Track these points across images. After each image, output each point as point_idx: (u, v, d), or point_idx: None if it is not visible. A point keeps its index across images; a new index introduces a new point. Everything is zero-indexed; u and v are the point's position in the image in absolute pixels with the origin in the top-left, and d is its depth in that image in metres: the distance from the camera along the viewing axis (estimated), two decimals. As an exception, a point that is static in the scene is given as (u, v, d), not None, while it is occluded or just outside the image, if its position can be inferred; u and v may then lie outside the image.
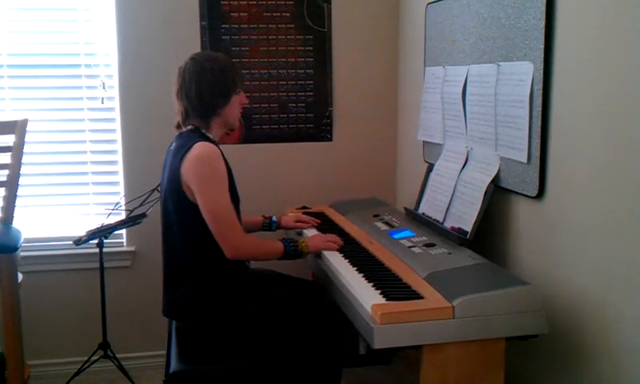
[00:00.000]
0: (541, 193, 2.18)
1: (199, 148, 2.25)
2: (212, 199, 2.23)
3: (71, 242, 2.82)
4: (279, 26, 3.35)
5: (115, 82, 3.27)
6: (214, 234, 2.25)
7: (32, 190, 3.29)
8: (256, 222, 2.83)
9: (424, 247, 2.38)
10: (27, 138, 2.85)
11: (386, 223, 2.77)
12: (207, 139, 2.33)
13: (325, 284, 2.42)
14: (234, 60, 3.15)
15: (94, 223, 3.11)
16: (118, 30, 3.21)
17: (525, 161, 2.23)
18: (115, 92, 3.28)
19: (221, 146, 2.37)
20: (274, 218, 2.86)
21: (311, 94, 3.43)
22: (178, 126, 2.45)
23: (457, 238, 2.39)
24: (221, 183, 2.26)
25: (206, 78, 2.34)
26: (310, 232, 2.81)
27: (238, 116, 2.48)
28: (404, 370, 3.29)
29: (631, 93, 1.76)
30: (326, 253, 2.47)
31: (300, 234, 2.87)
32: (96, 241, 2.88)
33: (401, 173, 3.55)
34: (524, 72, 2.21)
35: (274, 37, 3.35)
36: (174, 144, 2.41)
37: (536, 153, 2.17)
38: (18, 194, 2.82)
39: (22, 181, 2.84)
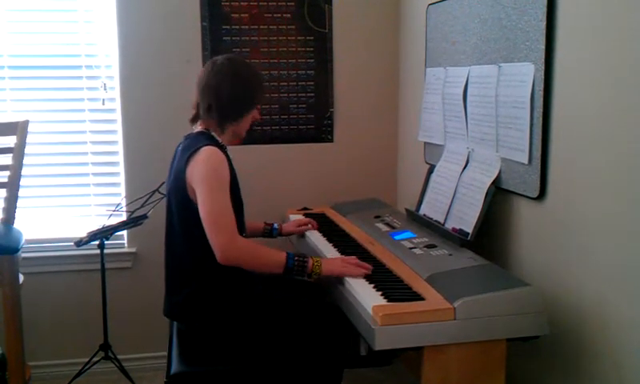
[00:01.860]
0: (542, 194, 2.18)
1: (206, 152, 2.25)
2: (209, 199, 2.21)
3: (72, 244, 2.83)
4: (280, 26, 3.35)
5: (116, 83, 3.27)
6: (207, 234, 2.21)
7: (33, 191, 3.29)
8: (257, 227, 2.81)
9: (425, 248, 2.38)
10: (28, 139, 2.85)
11: (387, 224, 2.76)
12: (215, 143, 2.33)
13: (326, 285, 2.42)
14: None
15: (95, 224, 3.11)
16: (119, 31, 3.21)
17: (526, 162, 2.23)
18: (116, 93, 3.28)
19: (222, 147, 2.38)
20: (276, 226, 2.84)
21: (312, 95, 3.43)
22: (194, 120, 2.44)
23: (458, 239, 2.39)
24: (221, 186, 2.25)
25: (241, 83, 2.35)
26: (312, 234, 2.80)
27: (248, 128, 2.48)
28: (405, 371, 3.29)
29: (632, 93, 1.76)
30: (326, 254, 2.47)
31: (302, 236, 2.86)
32: (97, 242, 2.88)
33: (402, 174, 3.55)
34: (525, 73, 2.20)
35: (275, 38, 3.35)
36: (181, 144, 2.41)
37: (537, 154, 2.17)
38: (19, 195, 2.82)
39: (23, 182, 2.84)
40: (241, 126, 2.42)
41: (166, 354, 2.49)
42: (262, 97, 2.45)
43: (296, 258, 2.25)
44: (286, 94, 3.40)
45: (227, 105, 2.34)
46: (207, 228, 2.21)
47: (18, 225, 2.85)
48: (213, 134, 2.38)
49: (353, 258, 2.27)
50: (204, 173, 2.23)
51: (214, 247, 2.21)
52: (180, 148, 2.40)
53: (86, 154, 3.33)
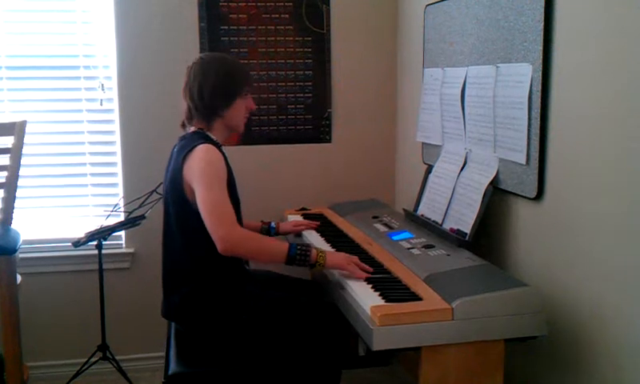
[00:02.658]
0: (540, 194, 2.18)
1: (201, 149, 2.25)
2: (207, 193, 2.20)
3: (70, 244, 2.82)
4: (278, 27, 3.35)
5: (114, 83, 3.27)
6: (207, 226, 2.19)
7: (31, 192, 3.28)
8: (254, 226, 2.82)
9: (423, 249, 2.38)
10: (26, 139, 2.85)
11: (385, 225, 2.77)
12: (210, 141, 2.33)
13: (324, 285, 2.42)
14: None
15: (93, 225, 3.11)
16: (116, 32, 3.21)
17: (524, 162, 2.23)
18: (114, 94, 3.28)
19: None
20: (273, 224, 2.85)
21: (310, 95, 3.43)
22: (183, 125, 2.45)
23: (456, 239, 2.39)
24: (219, 180, 2.24)
25: (209, 79, 2.34)
26: (310, 234, 2.80)
27: (242, 120, 2.46)
28: (403, 372, 3.30)
29: (630, 94, 1.76)
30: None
31: (299, 235, 2.86)
32: (95, 242, 2.88)
33: (400, 174, 3.55)
34: (523, 73, 2.21)
35: (273, 38, 3.35)
36: (177, 146, 2.42)
37: (535, 154, 2.18)
38: (16, 195, 2.82)
39: (20, 182, 2.84)
40: (227, 118, 2.40)
41: (163, 354, 2.49)
42: (244, 86, 2.42)
43: (298, 247, 2.23)
44: (283, 95, 3.40)
45: (201, 103, 2.34)
46: (207, 220, 2.20)
47: (15, 225, 2.85)
48: (207, 133, 2.38)
49: (355, 258, 2.27)
50: (200, 168, 2.23)
51: (215, 239, 2.18)
52: (176, 149, 2.40)
53: (83, 154, 3.32)
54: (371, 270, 2.22)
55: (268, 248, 2.26)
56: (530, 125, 2.19)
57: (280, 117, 3.42)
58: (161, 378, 2.40)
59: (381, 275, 2.20)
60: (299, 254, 2.22)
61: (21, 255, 2.96)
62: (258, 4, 3.31)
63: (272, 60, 3.36)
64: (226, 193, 2.25)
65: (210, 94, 2.34)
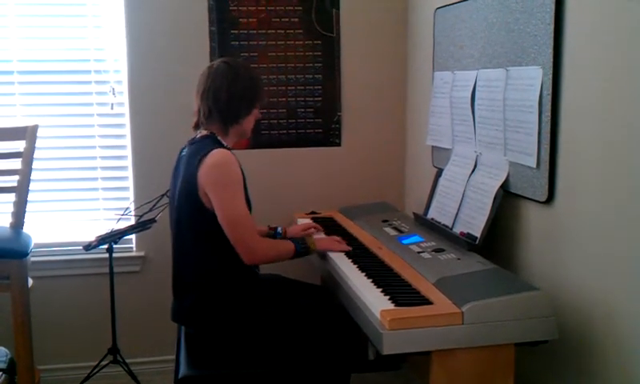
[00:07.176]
0: (550, 198, 2.17)
1: (217, 155, 2.26)
2: (230, 205, 2.25)
3: (81, 248, 2.84)
4: (288, 31, 3.35)
5: (125, 87, 3.28)
6: (232, 239, 2.26)
7: (42, 196, 3.30)
8: (261, 231, 2.81)
9: (433, 252, 2.37)
10: (37, 143, 2.87)
11: (395, 228, 2.76)
12: (222, 146, 2.34)
13: (333, 289, 2.42)
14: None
15: (104, 228, 3.12)
16: (127, 36, 3.22)
17: (534, 166, 2.22)
18: (125, 98, 3.29)
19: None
20: (279, 229, 2.84)
21: (320, 99, 3.43)
22: (197, 126, 2.45)
23: (466, 243, 2.38)
24: (238, 189, 2.28)
25: (239, 84, 2.37)
26: (318, 235, 2.80)
27: (252, 127, 2.50)
28: (413, 376, 3.28)
29: (641, 97, 1.76)
30: (334, 257, 2.47)
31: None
32: (106, 246, 2.90)
33: (410, 178, 3.54)
34: (533, 77, 2.20)
35: (283, 42, 3.36)
36: (185, 150, 2.42)
37: (545, 158, 2.17)
38: (28, 199, 2.83)
39: (32, 186, 2.86)
40: (243, 126, 2.44)
41: (174, 357, 2.50)
42: (261, 96, 2.47)
43: (300, 243, 2.48)
44: (293, 98, 3.41)
45: (227, 107, 2.36)
46: (232, 234, 2.26)
47: (27, 229, 2.86)
48: (218, 138, 2.39)
49: (337, 237, 2.65)
50: (219, 177, 2.24)
51: (241, 251, 2.28)
52: (185, 153, 2.40)
53: (94, 158, 3.34)
54: (349, 248, 2.56)
55: (282, 251, 2.44)
56: (540, 128, 2.18)
57: (290, 120, 3.42)
58: (171, 381, 2.40)
59: (391, 279, 2.20)
60: (302, 247, 2.47)
61: (32, 259, 2.97)
62: (268, 8, 3.32)
63: (282, 64, 3.37)
64: (245, 202, 2.29)
65: (239, 99, 2.37)
